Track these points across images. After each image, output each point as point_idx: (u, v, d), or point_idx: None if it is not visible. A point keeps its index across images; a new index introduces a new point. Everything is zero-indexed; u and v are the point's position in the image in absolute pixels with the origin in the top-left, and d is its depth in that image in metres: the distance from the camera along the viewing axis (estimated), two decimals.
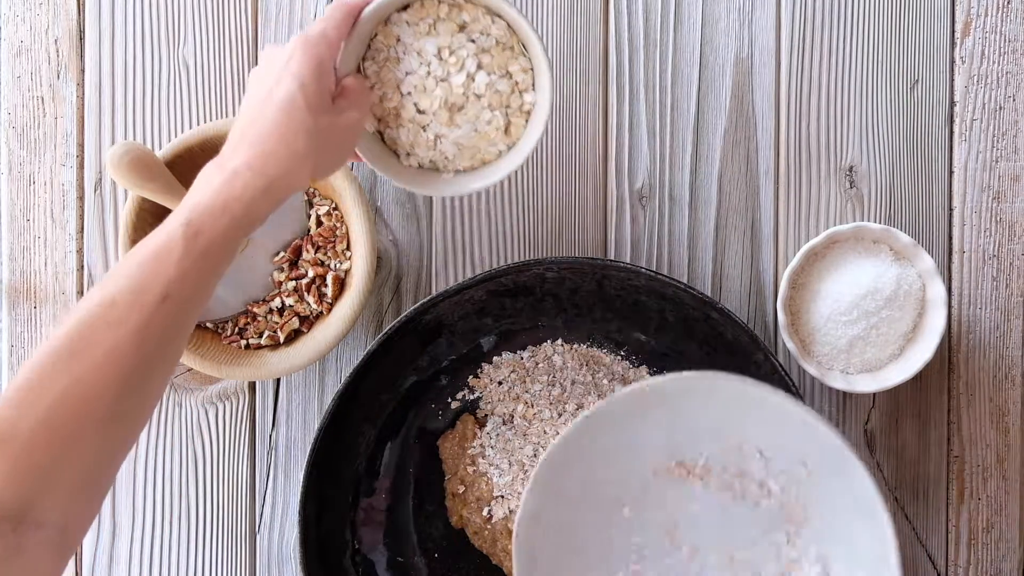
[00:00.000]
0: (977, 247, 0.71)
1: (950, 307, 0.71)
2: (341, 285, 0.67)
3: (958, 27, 0.71)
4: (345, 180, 0.64)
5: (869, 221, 0.71)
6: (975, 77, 0.71)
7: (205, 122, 0.71)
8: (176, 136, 0.71)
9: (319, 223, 0.67)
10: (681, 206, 0.71)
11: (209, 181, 0.48)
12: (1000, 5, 0.71)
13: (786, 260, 0.71)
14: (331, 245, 0.67)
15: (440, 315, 0.67)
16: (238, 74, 0.71)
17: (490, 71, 0.56)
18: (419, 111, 0.56)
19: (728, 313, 0.64)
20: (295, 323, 0.67)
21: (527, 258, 0.70)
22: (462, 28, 0.56)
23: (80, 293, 0.71)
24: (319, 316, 0.67)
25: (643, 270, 0.65)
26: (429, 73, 0.56)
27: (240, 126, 0.50)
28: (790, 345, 0.66)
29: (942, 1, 0.71)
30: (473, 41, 0.56)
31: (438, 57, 0.55)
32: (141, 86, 0.71)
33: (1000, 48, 0.71)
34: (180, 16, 0.71)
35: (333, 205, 0.67)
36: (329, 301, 0.67)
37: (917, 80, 0.71)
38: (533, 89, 0.57)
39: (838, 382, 0.67)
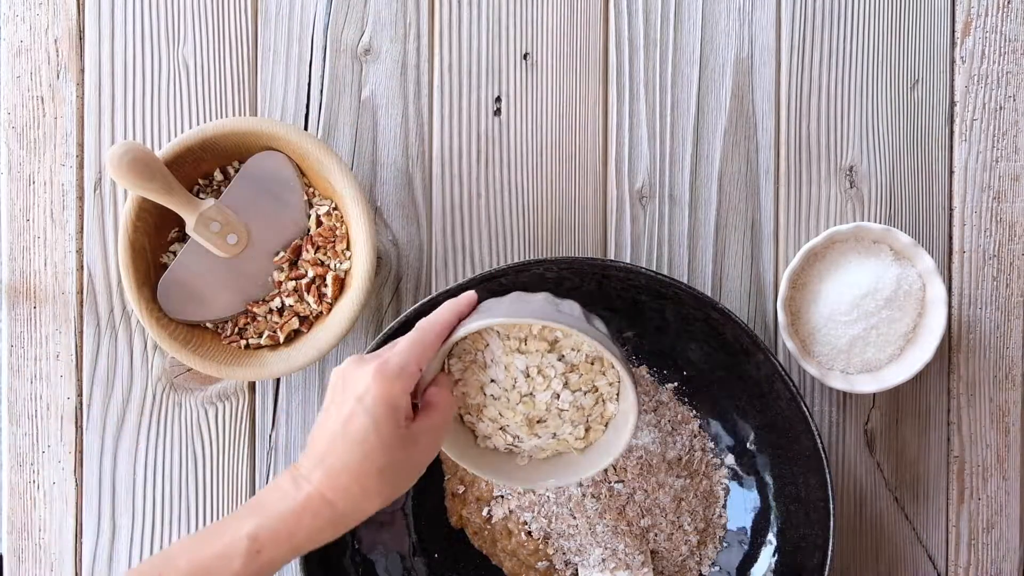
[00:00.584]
0: (977, 247, 0.71)
1: (950, 307, 0.71)
2: (341, 285, 0.67)
3: (958, 27, 0.71)
4: (345, 180, 0.64)
5: (869, 221, 0.71)
6: (975, 77, 0.71)
7: (205, 122, 0.71)
8: (176, 136, 0.71)
9: (319, 223, 0.67)
10: (681, 206, 0.71)
11: (284, 495, 0.49)
12: (1000, 5, 0.71)
13: (786, 260, 0.71)
14: (331, 245, 0.67)
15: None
16: (238, 74, 0.71)
17: (575, 388, 0.55)
18: (500, 414, 0.56)
19: (728, 313, 0.64)
20: (295, 323, 0.67)
21: (527, 258, 0.70)
22: (553, 345, 0.55)
23: (80, 293, 0.71)
24: (319, 316, 0.67)
25: (643, 270, 0.65)
26: (514, 386, 0.55)
27: (320, 443, 0.50)
28: (790, 345, 0.66)
29: (942, 1, 0.71)
30: (562, 358, 0.55)
31: (525, 374, 0.55)
32: (141, 86, 0.71)
33: (1000, 48, 0.71)
34: (180, 16, 0.71)
35: (333, 205, 0.67)
36: (329, 301, 0.66)
37: (917, 80, 0.71)
38: (616, 399, 0.56)
39: (838, 382, 0.67)
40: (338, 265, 0.67)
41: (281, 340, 0.67)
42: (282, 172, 0.66)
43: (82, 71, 0.71)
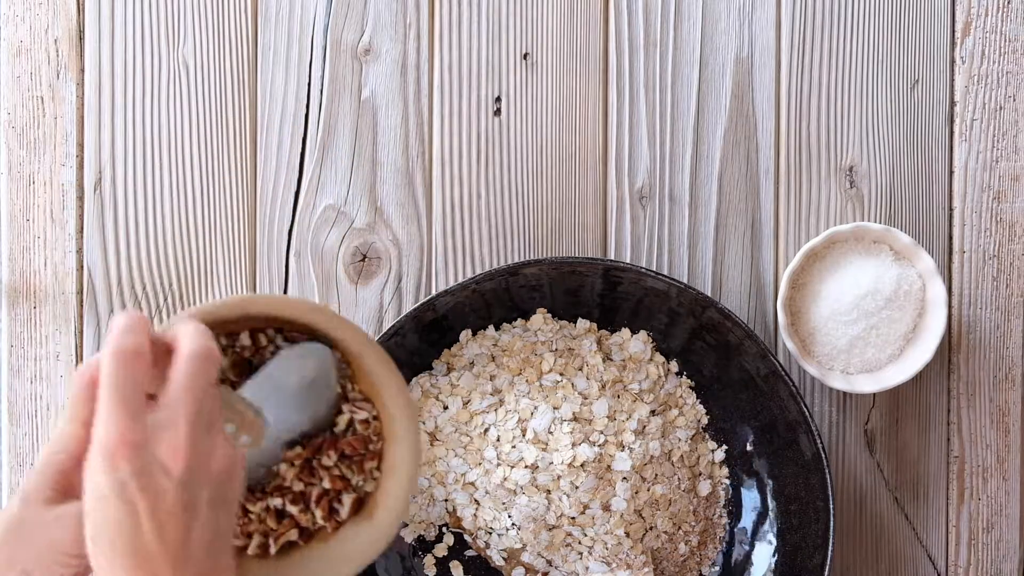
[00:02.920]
0: (977, 247, 0.71)
1: (950, 307, 0.71)
2: (358, 507, 0.53)
3: (958, 27, 0.71)
4: (400, 401, 0.51)
5: (869, 221, 0.71)
6: (975, 77, 0.71)
7: (205, 122, 0.71)
8: (175, 135, 0.71)
9: (351, 428, 0.52)
10: (681, 206, 0.71)
11: None
12: (1000, 5, 0.71)
13: (786, 260, 0.71)
14: (359, 459, 0.53)
15: (440, 314, 0.67)
16: (238, 74, 0.71)
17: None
18: None
19: (728, 313, 0.64)
20: (293, 535, 0.52)
21: (527, 258, 0.70)
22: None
23: (80, 293, 0.71)
24: (320, 531, 0.52)
25: (643, 270, 0.65)
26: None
27: None
28: (790, 345, 0.66)
29: (942, 1, 0.71)
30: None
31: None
32: (141, 86, 0.71)
33: (1000, 48, 0.71)
34: (180, 16, 0.71)
35: (374, 414, 0.52)
36: (339, 520, 0.52)
37: (917, 80, 0.71)
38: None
39: (838, 382, 0.67)
40: (361, 484, 0.53)
41: (273, 552, 0.51)
42: (323, 366, 0.51)
43: (82, 71, 0.71)
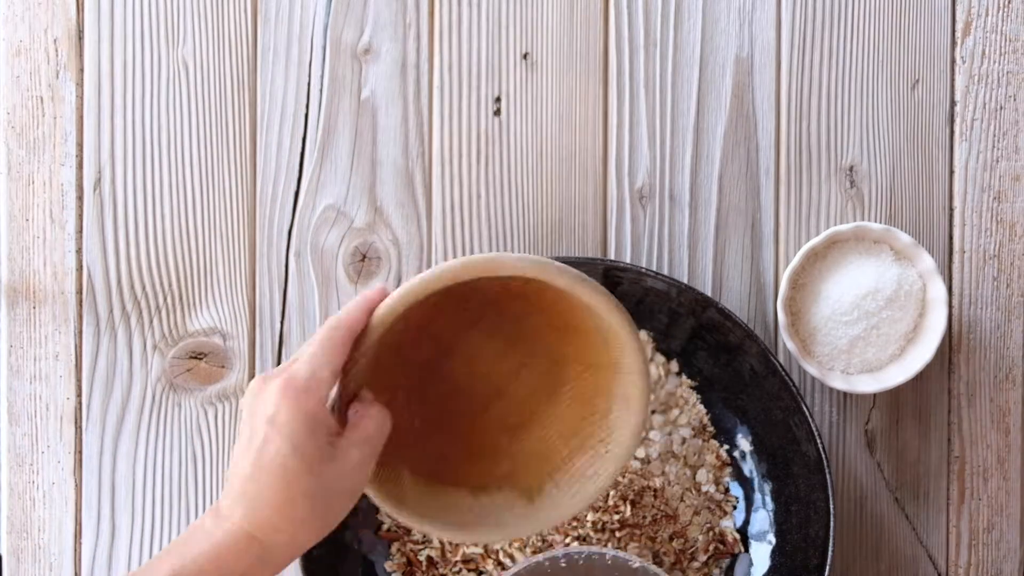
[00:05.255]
0: (977, 247, 0.71)
1: (951, 307, 0.71)
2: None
3: (958, 27, 0.71)
4: (618, 321, 0.48)
5: (869, 221, 0.71)
6: (975, 77, 0.71)
7: (204, 122, 0.71)
8: (175, 135, 0.71)
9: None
10: (681, 206, 0.71)
11: (206, 534, 0.44)
12: (1000, 5, 0.71)
13: (786, 260, 0.71)
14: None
15: None
16: (238, 74, 0.71)
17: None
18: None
19: (728, 313, 0.64)
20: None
21: None
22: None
23: (79, 293, 0.71)
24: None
25: (643, 270, 0.65)
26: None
27: (238, 477, 0.45)
28: (790, 345, 0.66)
29: (942, 1, 0.71)
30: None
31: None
32: (141, 86, 0.71)
33: (1000, 48, 0.71)
34: (180, 16, 0.71)
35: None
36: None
37: (917, 80, 0.71)
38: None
39: (838, 382, 0.67)
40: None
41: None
42: None
43: (82, 71, 0.71)
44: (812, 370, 0.66)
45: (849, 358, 0.67)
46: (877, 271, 0.66)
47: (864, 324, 0.66)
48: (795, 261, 0.67)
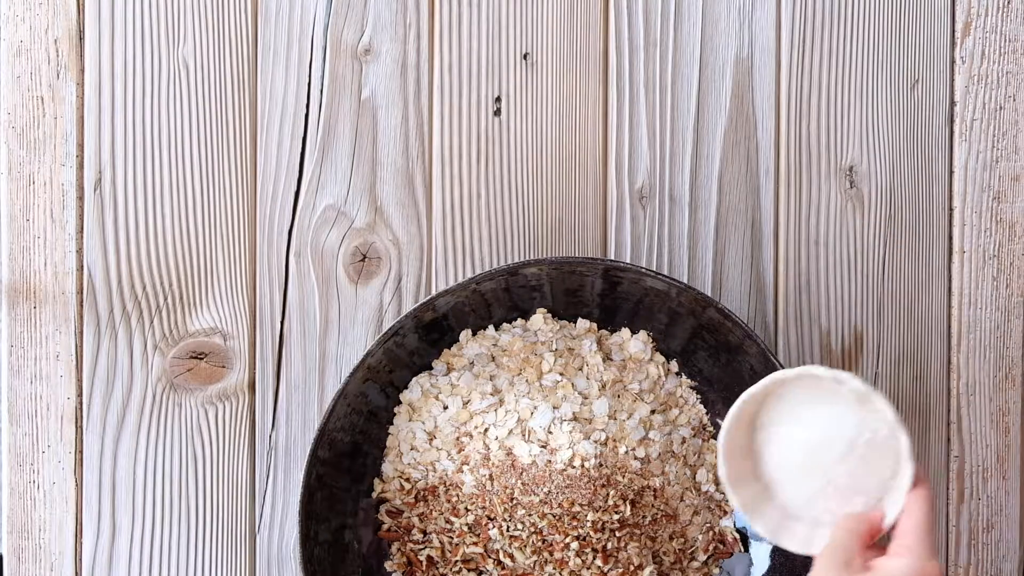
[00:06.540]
0: (977, 247, 0.71)
1: (951, 307, 0.70)
2: None
3: (958, 27, 0.71)
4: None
5: (868, 230, 0.71)
6: (975, 77, 0.71)
7: (205, 122, 0.71)
8: (175, 135, 0.71)
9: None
10: (681, 206, 0.71)
11: None
12: (1000, 5, 0.71)
13: (786, 260, 0.71)
14: None
15: (440, 314, 0.67)
16: (238, 74, 0.71)
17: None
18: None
19: (728, 313, 0.64)
20: None
21: (527, 258, 0.70)
22: None
23: (80, 293, 0.71)
24: None
25: (643, 270, 0.65)
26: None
27: None
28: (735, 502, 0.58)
29: (942, 1, 0.71)
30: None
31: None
32: (141, 86, 0.71)
33: (1000, 48, 0.71)
34: (180, 16, 0.71)
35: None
36: None
37: (917, 80, 0.71)
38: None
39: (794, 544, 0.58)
40: None
41: None
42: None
43: (82, 71, 0.71)
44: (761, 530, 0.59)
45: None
46: (832, 416, 0.56)
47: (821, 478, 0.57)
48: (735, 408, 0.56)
